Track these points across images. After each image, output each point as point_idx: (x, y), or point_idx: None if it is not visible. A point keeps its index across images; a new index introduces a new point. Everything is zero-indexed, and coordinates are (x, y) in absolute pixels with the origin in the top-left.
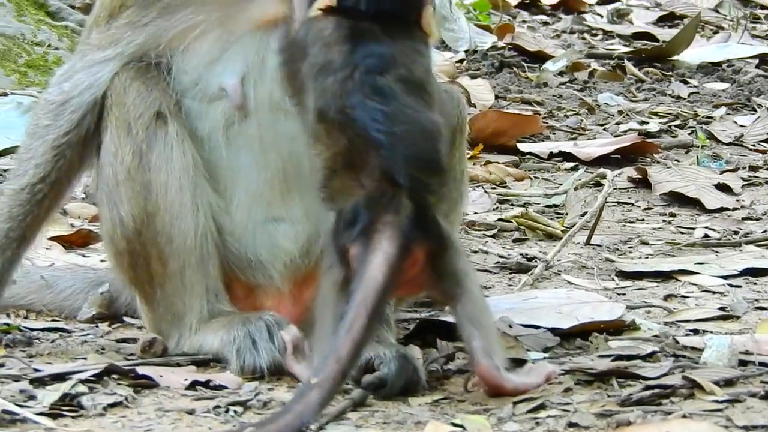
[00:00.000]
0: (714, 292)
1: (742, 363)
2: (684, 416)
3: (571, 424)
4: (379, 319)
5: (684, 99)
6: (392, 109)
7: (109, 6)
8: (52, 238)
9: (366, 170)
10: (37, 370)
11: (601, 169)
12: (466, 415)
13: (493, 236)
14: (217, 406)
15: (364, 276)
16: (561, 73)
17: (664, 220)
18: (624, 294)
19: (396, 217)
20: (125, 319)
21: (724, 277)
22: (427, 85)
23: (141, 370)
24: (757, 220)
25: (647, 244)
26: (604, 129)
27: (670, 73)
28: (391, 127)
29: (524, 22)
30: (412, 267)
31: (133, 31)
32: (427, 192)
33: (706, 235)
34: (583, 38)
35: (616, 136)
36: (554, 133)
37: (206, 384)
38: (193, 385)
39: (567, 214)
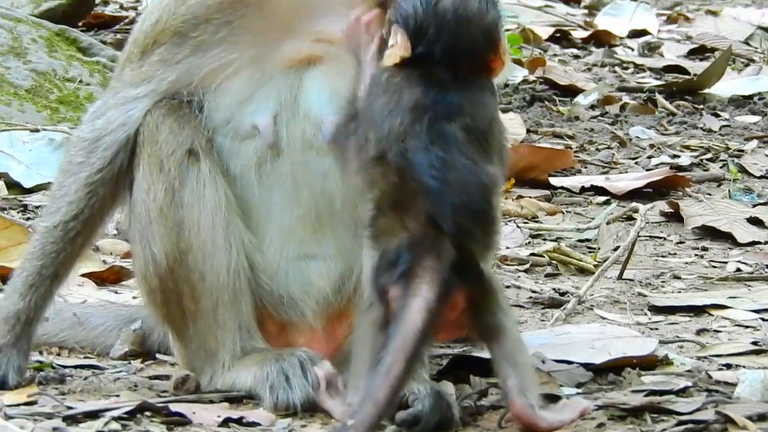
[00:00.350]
0: (747, 327)
1: None
2: None
3: None
4: (417, 363)
5: (715, 132)
6: (450, 157)
7: (142, 43)
8: (84, 275)
9: (412, 213)
10: (70, 408)
11: (633, 203)
12: None
13: (525, 271)
14: None
15: (404, 320)
16: (592, 107)
17: (696, 254)
18: (657, 329)
19: (437, 262)
20: (158, 356)
21: (757, 312)
22: (489, 136)
23: (174, 407)
24: None
25: (679, 278)
26: (636, 163)
27: (702, 106)
28: (445, 175)
29: (555, 55)
30: (451, 312)
31: (165, 69)
32: (471, 240)
33: (739, 269)
34: (614, 71)
35: (647, 170)
36: (586, 167)
37: (239, 421)
38: (226, 422)
39: (599, 248)
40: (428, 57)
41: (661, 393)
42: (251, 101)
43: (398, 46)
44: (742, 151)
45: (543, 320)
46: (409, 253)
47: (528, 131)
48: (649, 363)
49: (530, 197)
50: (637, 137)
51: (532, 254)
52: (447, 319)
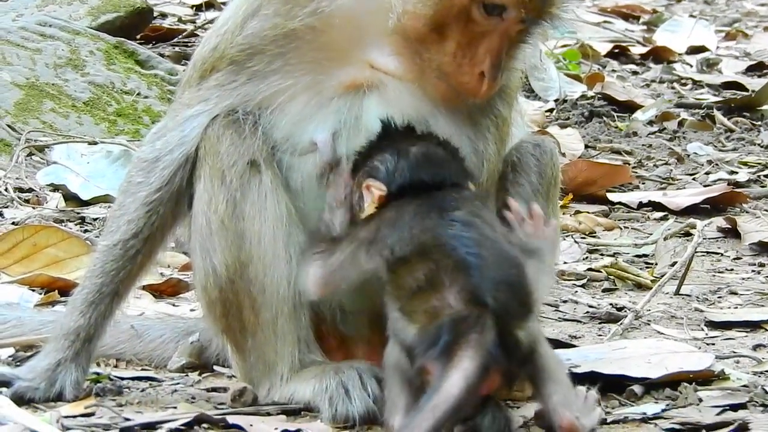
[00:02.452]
0: None
1: None
2: None
3: None
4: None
5: None
6: (478, 236)
7: (200, 68)
8: (142, 288)
9: (452, 292)
10: (127, 419)
11: (691, 219)
12: None
13: (582, 286)
14: None
15: (440, 389)
16: (650, 123)
17: (753, 270)
18: (713, 344)
19: (480, 336)
20: (215, 368)
21: None
22: (495, 223)
23: (231, 419)
24: None
25: (736, 293)
26: (694, 179)
27: (759, 122)
28: (480, 251)
29: (614, 71)
30: (488, 386)
31: (222, 93)
32: (512, 316)
33: None
34: (673, 88)
35: (705, 186)
36: (644, 183)
37: None
38: None
39: (656, 264)
40: (402, 187)
41: (734, 409)
42: (310, 121)
43: (375, 194)
44: None
45: (600, 335)
46: (451, 330)
47: (586, 146)
48: (705, 378)
49: (588, 212)
50: (695, 153)
51: (590, 269)
52: (482, 391)
